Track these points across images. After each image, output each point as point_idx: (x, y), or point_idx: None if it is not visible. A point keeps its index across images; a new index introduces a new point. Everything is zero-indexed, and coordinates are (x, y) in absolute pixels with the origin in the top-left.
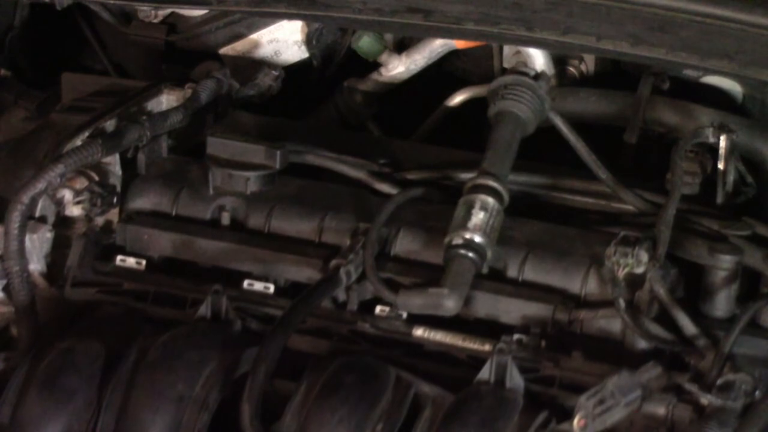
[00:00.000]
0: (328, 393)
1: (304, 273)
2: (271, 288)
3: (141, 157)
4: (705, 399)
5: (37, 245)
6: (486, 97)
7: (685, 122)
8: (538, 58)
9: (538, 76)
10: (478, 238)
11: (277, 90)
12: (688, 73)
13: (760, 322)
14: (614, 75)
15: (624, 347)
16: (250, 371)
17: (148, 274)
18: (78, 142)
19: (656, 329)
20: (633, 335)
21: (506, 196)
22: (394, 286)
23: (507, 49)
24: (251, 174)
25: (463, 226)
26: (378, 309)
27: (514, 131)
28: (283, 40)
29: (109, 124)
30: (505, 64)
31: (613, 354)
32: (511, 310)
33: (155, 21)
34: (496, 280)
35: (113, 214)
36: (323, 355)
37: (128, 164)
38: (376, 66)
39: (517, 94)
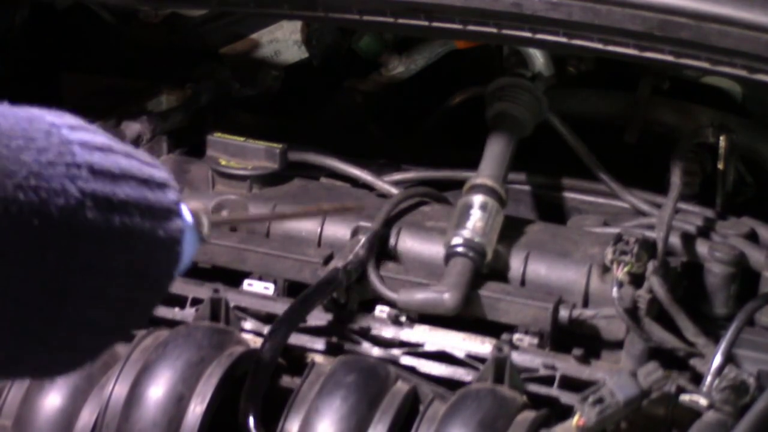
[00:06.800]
0: (328, 393)
1: (304, 273)
2: (271, 288)
3: None
4: (704, 399)
5: None
6: (485, 97)
7: (685, 122)
8: (538, 59)
9: (535, 77)
10: (477, 238)
11: (277, 90)
12: (688, 73)
13: (760, 323)
14: (614, 75)
15: (624, 347)
16: (250, 371)
17: None
18: None
19: (656, 329)
20: (633, 335)
21: (505, 196)
22: (394, 286)
23: (507, 49)
24: (251, 174)
25: (463, 226)
26: (378, 309)
27: (512, 132)
28: (283, 40)
29: (109, 124)
30: (505, 65)
31: (613, 354)
32: (511, 310)
33: (155, 21)
34: (496, 280)
35: None
36: (323, 355)
37: None
38: (376, 66)
39: (514, 95)
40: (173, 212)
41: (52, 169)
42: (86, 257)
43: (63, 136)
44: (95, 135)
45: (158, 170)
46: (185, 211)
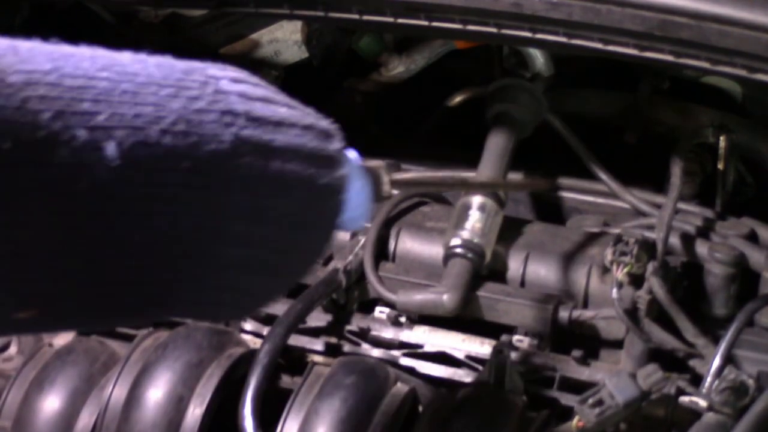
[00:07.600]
0: (328, 394)
1: None
2: None
3: None
4: (704, 400)
5: None
6: (485, 97)
7: (685, 122)
8: (538, 59)
9: (535, 77)
10: (476, 239)
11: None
12: (688, 73)
13: (760, 323)
14: (614, 75)
15: (623, 348)
16: (250, 371)
17: None
18: None
19: (656, 330)
20: (632, 336)
21: (504, 197)
22: (394, 287)
23: (507, 50)
24: None
25: (461, 227)
26: (377, 310)
27: (511, 132)
28: (283, 40)
29: None
30: (505, 65)
31: (613, 354)
32: (510, 310)
33: (155, 21)
34: (495, 280)
35: None
36: (323, 356)
37: None
38: (376, 66)
39: (514, 95)
40: (335, 160)
41: (203, 116)
42: (239, 201)
43: (220, 86)
44: (257, 87)
45: (322, 120)
46: (359, 166)
